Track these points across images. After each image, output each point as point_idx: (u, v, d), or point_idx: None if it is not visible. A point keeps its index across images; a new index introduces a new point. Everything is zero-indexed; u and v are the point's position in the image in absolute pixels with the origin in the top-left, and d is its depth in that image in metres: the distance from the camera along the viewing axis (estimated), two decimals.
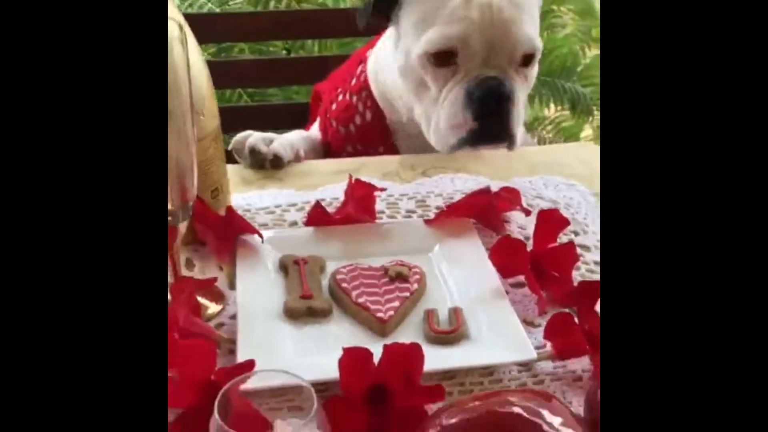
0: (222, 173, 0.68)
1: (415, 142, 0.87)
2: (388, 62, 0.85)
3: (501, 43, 0.76)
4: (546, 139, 1.71)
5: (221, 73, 1.29)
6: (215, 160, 0.66)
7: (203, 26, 1.30)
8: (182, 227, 0.57)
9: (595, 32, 1.92)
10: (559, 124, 1.72)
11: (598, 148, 0.88)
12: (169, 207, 0.56)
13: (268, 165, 0.80)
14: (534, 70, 0.81)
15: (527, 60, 0.78)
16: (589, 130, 1.76)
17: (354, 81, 0.90)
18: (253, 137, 0.80)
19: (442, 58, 0.77)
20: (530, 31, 0.78)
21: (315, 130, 0.94)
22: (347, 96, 0.90)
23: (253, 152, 0.80)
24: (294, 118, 1.25)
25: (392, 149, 0.89)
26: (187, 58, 0.51)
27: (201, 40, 1.44)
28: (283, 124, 1.36)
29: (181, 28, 0.50)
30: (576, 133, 1.72)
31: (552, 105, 1.67)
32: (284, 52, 1.60)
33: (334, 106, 0.91)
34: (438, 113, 0.78)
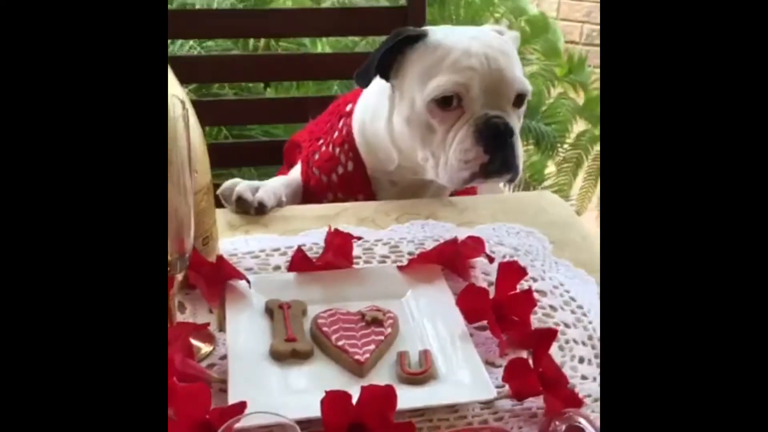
0: (212, 222, 0.74)
1: (393, 190, 0.96)
2: (378, 116, 0.93)
3: (498, 87, 0.86)
4: None
5: (204, 111, 1.36)
6: (207, 211, 0.72)
7: (187, 67, 1.37)
8: (179, 276, 0.63)
9: (558, 71, 2.03)
10: (525, 161, 1.81)
11: (555, 196, 0.96)
12: (168, 258, 0.62)
13: (252, 212, 0.86)
14: (523, 109, 0.91)
15: (519, 100, 0.89)
16: (552, 166, 1.86)
17: (336, 134, 0.97)
18: (240, 186, 0.87)
19: (448, 103, 0.86)
20: (520, 74, 0.89)
21: (295, 176, 1.01)
22: (330, 148, 0.97)
23: (240, 200, 0.86)
24: (273, 153, 1.32)
25: (370, 196, 0.97)
26: (188, 130, 0.57)
27: (184, 80, 1.52)
28: (263, 159, 1.43)
29: (183, 105, 0.56)
30: (540, 169, 1.81)
31: None
32: (265, 90, 1.67)
33: (316, 156, 0.98)
34: (447, 152, 0.86)
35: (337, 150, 0.96)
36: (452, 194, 0.98)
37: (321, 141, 0.99)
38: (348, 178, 0.96)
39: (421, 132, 0.88)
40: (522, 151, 0.90)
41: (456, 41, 0.88)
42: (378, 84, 0.93)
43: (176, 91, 0.65)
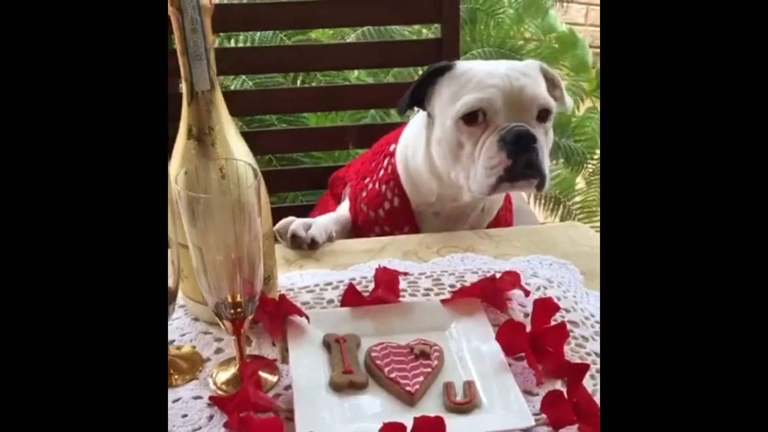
0: (273, 263, 0.82)
1: (436, 220, 1.04)
2: (419, 148, 1.02)
3: (520, 101, 0.93)
4: (543, 193, 1.86)
5: (253, 142, 1.45)
6: (269, 253, 0.80)
7: (240, 100, 1.47)
8: (249, 318, 0.71)
9: (587, 85, 2.07)
10: (555, 177, 1.87)
11: (586, 227, 1.03)
12: (238, 299, 0.70)
13: (305, 247, 0.94)
14: (550, 126, 0.98)
15: (543, 115, 0.95)
16: (582, 181, 1.91)
17: (382, 172, 1.06)
18: (294, 225, 0.95)
19: (473, 119, 0.93)
20: (541, 91, 0.96)
21: (344, 211, 1.09)
22: (376, 185, 1.06)
23: (294, 237, 0.94)
24: (316, 178, 1.41)
25: (415, 228, 1.05)
26: (259, 194, 0.65)
27: (236, 112, 1.60)
28: (308, 184, 1.52)
29: (256, 173, 0.64)
30: (571, 184, 1.87)
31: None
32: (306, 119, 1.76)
33: (364, 194, 1.07)
34: (476, 163, 0.94)
35: (383, 187, 1.05)
36: (489, 226, 1.05)
37: (367, 179, 1.08)
38: (394, 212, 1.04)
39: (452, 150, 0.96)
40: (548, 157, 0.96)
41: (480, 67, 0.97)
42: (416, 122, 1.02)
43: (242, 153, 0.73)
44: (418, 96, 0.99)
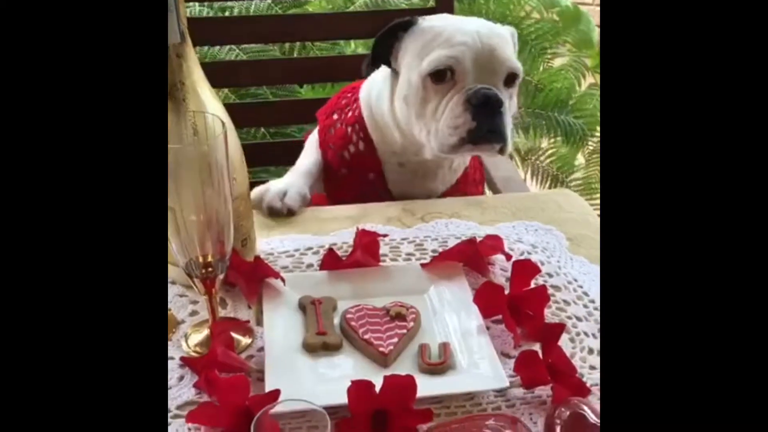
0: (250, 225, 0.81)
1: (401, 171, 1.02)
2: (383, 99, 0.99)
3: (489, 62, 0.91)
4: (540, 168, 1.83)
5: (244, 112, 1.44)
6: (246, 215, 0.79)
7: (228, 71, 1.45)
8: (220, 277, 0.69)
9: (590, 61, 2.04)
10: (553, 154, 1.84)
11: (575, 194, 1.01)
12: (209, 259, 0.68)
13: (284, 215, 0.93)
14: (515, 92, 0.95)
15: (510, 79, 0.93)
16: (581, 158, 1.88)
17: (350, 114, 1.03)
18: (269, 196, 0.94)
19: (441, 77, 0.91)
20: (510, 54, 0.93)
21: (312, 160, 1.06)
22: (343, 126, 1.04)
23: (270, 209, 0.93)
24: None
25: (381, 176, 1.02)
26: (227, 147, 0.63)
27: (226, 83, 1.60)
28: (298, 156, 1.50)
29: (223, 125, 0.63)
30: (570, 161, 1.84)
31: (546, 137, 1.79)
32: (301, 88, 1.74)
33: (332, 131, 1.05)
34: (438, 121, 0.91)
35: (349, 129, 1.03)
36: (458, 182, 1.03)
37: (336, 116, 1.05)
38: (360, 156, 1.02)
39: (417, 107, 0.93)
40: (511, 126, 0.93)
41: (449, 23, 0.95)
42: (382, 71, 1.00)
43: (216, 109, 0.71)
44: (382, 53, 0.97)
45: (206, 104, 0.72)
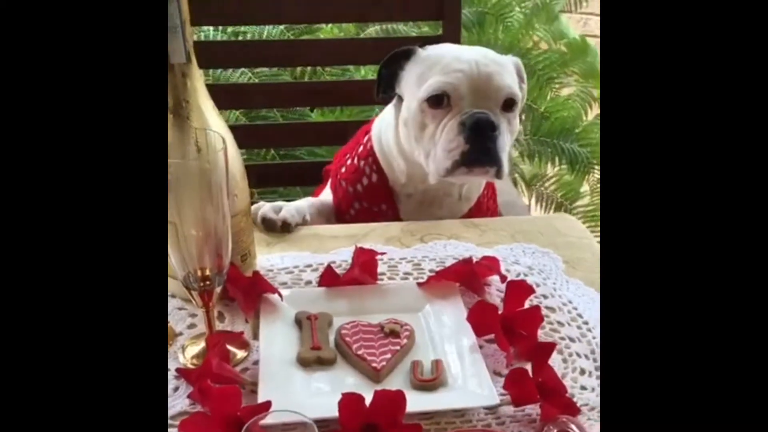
0: (250, 241, 0.83)
1: (410, 202, 1.04)
2: (390, 127, 1.02)
3: (486, 88, 0.93)
4: (545, 195, 1.85)
5: (254, 134, 1.46)
6: (246, 231, 0.81)
7: (239, 93, 1.48)
8: (217, 290, 0.71)
9: (597, 92, 2.06)
10: (558, 181, 1.86)
11: (573, 219, 1.02)
12: (207, 273, 0.70)
13: (278, 229, 0.95)
14: (515, 117, 0.97)
15: (508, 105, 0.95)
16: (587, 186, 1.89)
17: (361, 149, 1.06)
18: (263, 209, 0.96)
19: (438, 102, 0.93)
20: (509, 81, 0.95)
21: (323, 196, 1.10)
22: (355, 160, 1.06)
23: (265, 220, 0.95)
24: (316, 173, 1.41)
25: (393, 207, 1.04)
26: (227, 162, 0.65)
27: (237, 105, 1.63)
28: (307, 179, 1.52)
29: (223, 141, 0.64)
30: (575, 188, 1.85)
31: (551, 164, 1.81)
32: (312, 112, 1.77)
33: (343, 169, 1.07)
34: (435, 145, 0.94)
35: (362, 163, 1.05)
36: (471, 213, 1.05)
37: (347, 156, 1.08)
38: (372, 188, 1.04)
39: (416, 131, 0.96)
40: (508, 146, 0.95)
41: (448, 50, 0.98)
42: (392, 103, 1.03)
43: (219, 127, 0.73)
44: (387, 80, 1.00)
45: (209, 122, 0.74)
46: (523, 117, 1.05)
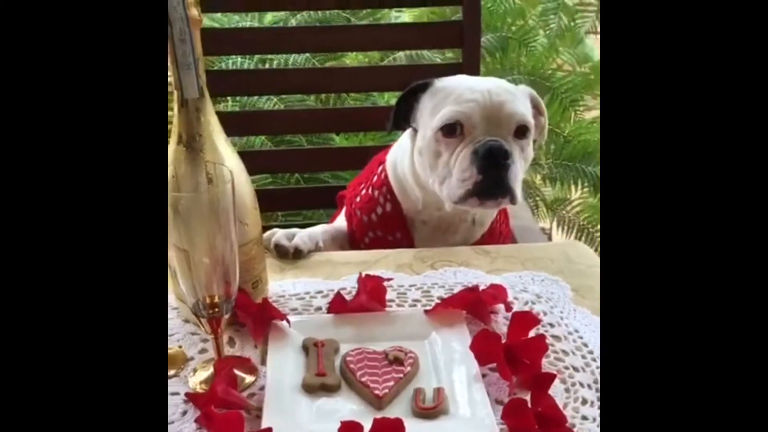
0: (262, 268, 0.85)
1: (425, 229, 1.06)
2: (406, 156, 1.05)
3: (497, 116, 0.96)
4: (567, 219, 1.84)
5: (280, 159, 1.50)
6: (257, 258, 0.83)
7: (268, 120, 1.52)
8: (225, 317, 0.73)
9: None
10: (581, 204, 1.85)
11: (585, 246, 1.02)
12: (216, 300, 0.72)
13: (290, 256, 0.97)
14: (529, 143, 0.99)
15: (521, 132, 0.97)
16: None
17: (376, 178, 1.09)
18: (276, 235, 0.99)
19: (451, 131, 0.96)
20: (521, 109, 0.97)
21: (337, 223, 1.12)
22: (370, 190, 1.08)
23: (277, 247, 0.97)
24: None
25: (407, 235, 1.06)
26: (234, 195, 0.68)
27: (262, 131, 1.65)
28: (332, 203, 1.55)
29: (231, 174, 0.67)
30: (597, 212, 1.84)
31: (574, 187, 1.81)
32: (334, 138, 1.81)
33: (358, 199, 1.10)
34: (450, 173, 0.96)
35: (376, 192, 1.08)
36: (484, 238, 1.06)
37: (362, 185, 1.11)
38: (386, 217, 1.07)
39: (431, 159, 0.98)
40: (520, 177, 0.97)
41: (462, 81, 1.01)
42: (406, 133, 1.06)
43: (231, 158, 0.76)
44: (403, 113, 1.03)
45: (222, 154, 0.77)
46: (537, 146, 1.06)
